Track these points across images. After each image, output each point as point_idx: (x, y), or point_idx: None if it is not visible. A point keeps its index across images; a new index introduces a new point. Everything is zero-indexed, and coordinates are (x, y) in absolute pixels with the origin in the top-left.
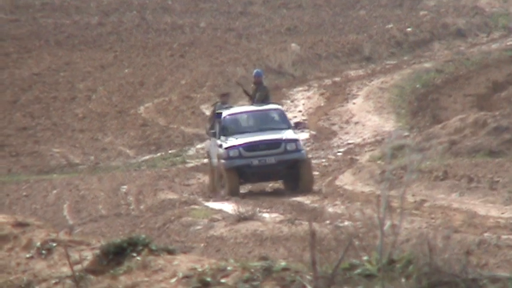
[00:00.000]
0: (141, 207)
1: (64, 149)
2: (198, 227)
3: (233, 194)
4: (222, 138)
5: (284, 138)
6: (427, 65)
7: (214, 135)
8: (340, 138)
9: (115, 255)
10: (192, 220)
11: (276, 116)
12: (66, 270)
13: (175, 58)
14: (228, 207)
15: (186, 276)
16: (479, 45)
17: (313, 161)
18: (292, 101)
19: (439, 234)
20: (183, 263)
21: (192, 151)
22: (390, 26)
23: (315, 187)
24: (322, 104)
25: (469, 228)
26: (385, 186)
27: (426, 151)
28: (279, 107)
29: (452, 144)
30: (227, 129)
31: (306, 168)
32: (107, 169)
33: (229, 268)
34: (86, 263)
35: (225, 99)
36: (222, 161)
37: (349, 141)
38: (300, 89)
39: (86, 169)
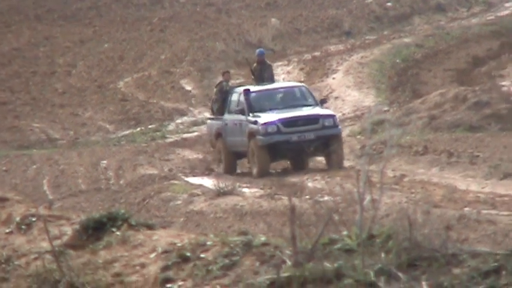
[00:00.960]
0: (121, 182)
1: (44, 124)
2: (178, 202)
3: (264, 173)
4: (251, 115)
5: (322, 114)
6: (407, 39)
7: (240, 112)
8: None
9: (94, 230)
10: (171, 195)
11: (302, 93)
12: (45, 245)
13: (154, 33)
14: (208, 182)
15: (165, 251)
16: (459, 20)
17: None
18: None
19: (419, 209)
20: (162, 238)
21: (171, 126)
22: (370, 0)
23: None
24: (302, 79)
25: (449, 203)
26: (365, 161)
27: (406, 126)
28: (303, 84)
29: (432, 119)
30: (254, 106)
31: (339, 144)
32: (87, 144)
33: (208, 243)
34: (65, 238)
35: (227, 77)
36: (259, 137)
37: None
38: (280, 63)
39: (66, 144)
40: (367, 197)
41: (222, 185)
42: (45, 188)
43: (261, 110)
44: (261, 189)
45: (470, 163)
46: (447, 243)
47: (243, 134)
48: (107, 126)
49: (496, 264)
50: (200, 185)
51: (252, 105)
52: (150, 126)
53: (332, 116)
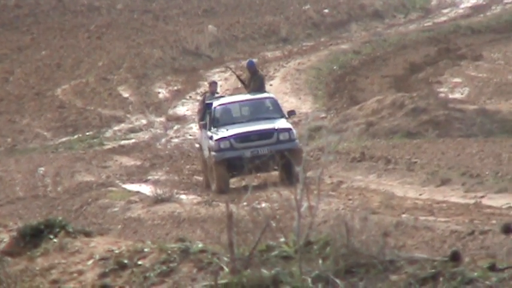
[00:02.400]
0: (59, 189)
1: None
2: (115, 209)
3: (222, 189)
4: (213, 129)
5: (277, 127)
6: (344, 46)
7: (204, 126)
8: None
9: (32, 237)
10: (109, 202)
11: (268, 105)
12: None
13: (92, 40)
14: (146, 188)
15: (102, 258)
16: (396, 26)
17: None
18: None
19: (357, 215)
20: (100, 244)
21: (109, 133)
22: (307, 7)
23: None
24: (239, 86)
25: (386, 210)
26: (302, 168)
27: (343, 132)
28: (272, 95)
29: (369, 125)
30: (218, 120)
31: (299, 159)
32: (24, 151)
33: (146, 250)
34: (2, 245)
35: (214, 89)
36: (213, 153)
37: None
38: (217, 70)
39: (3, 151)
40: (305, 204)
41: (159, 191)
42: None
43: (225, 124)
44: (198, 196)
45: (407, 170)
46: (385, 249)
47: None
48: (45, 133)
49: (433, 270)
50: (138, 192)
51: (216, 119)
52: (87, 133)
53: (288, 130)
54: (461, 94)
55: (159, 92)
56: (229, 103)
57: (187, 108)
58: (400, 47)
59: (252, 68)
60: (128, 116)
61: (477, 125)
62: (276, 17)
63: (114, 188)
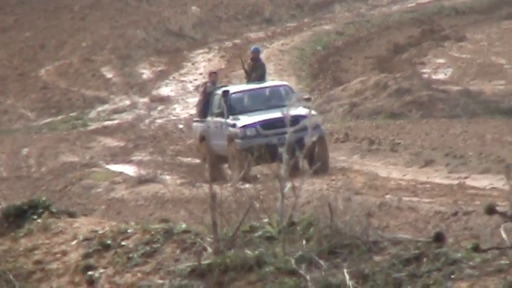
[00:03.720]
0: (42, 169)
1: None
2: (99, 190)
3: (246, 176)
4: (231, 117)
5: (303, 114)
6: (327, 27)
7: (220, 115)
8: None
9: (16, 218)
10: (93, 182)
11: (284, 93)
12: None
13: (75, 21)
14: (129, 169)
15: (86, 239)
16: (380, 7)
17: None
18: (193, 64)
19: (340, 196)
20: (83, 225)
21: (93, 114)
22: None
23: None
24: (223, 67)
25: (370, 190)
26: (285, 149)
27: (327, 113)
28: (286, 83)
29: (353, 106)
30: (235, 108)
31: (323, 146)
32: (8, 132)
33: (129, 230)
34: None
35: (214, 78)
36: (238, 140)
37: None
38: (201, 51)
39: None
40: (288, 185)
41: (143, 172)
42: None
43: (242, 112)
44: (182, 176)
45: (391, 150)
46: (368, 230)
47: (224, 137)
48: (29, 114)
49: (417, 251)
50: (121, 173)
51: (232, 107)
52: (71, 114)
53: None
54: (445, 75)
55: (142, 73)
56: (246, 91)
57: (170, 89)
58: (384, 28)
59: (255, 54)
60: (112, 96)
61: (461, 106)
62: None
63: (97, 169)
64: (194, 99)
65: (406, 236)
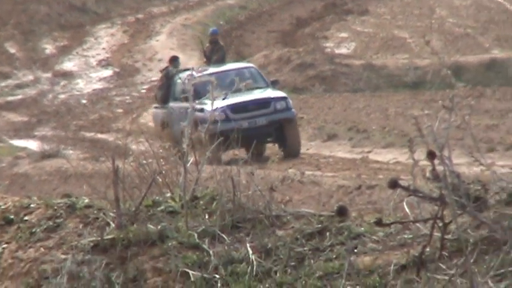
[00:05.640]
0: None
1: None
2: (3, 165)
3: (215, 162)
4: (197, 102)
5: (273, 96)
6: (230, 1)
7: (186, 99)
8: (144, 75)
9: None
10: None
11: (252, 75)
12: None
13: None
14: (33, 144)
15: None
16: None
17: (117, 99)
18: (95, 39)
19: (243, 170)
20: None
21: None
22: None
23: (119, 124)
24: (125, 42)
25: (273, 164)
26: (189, 123)
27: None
28: (252, 65)
29: None
30: (201, 92)
31: (294, 129)
32: None
33: (32, 205)
34: None
35: (176, 64)
36: (205, 125)
37: (153, 79)
38: (104, 26)
39: None
40: (191, 159)
41: (46, 147)
42: None
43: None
44: (85, 151)
45: None
46: (271, 204)
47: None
48: None
49: (319, 225)
50: (25, 148)
51: (198, 91)
52: None
53: (284, 99)
54: (348, 49)
55: (45, 48)
56: (212, 74)
57: (73, 64)
58: (287, 2)
59: (214, 37)
60: (15, 72)
61: (364, 80)
62: None
63: (1, 144)
64: (96, 74)
65: (309, 210)
